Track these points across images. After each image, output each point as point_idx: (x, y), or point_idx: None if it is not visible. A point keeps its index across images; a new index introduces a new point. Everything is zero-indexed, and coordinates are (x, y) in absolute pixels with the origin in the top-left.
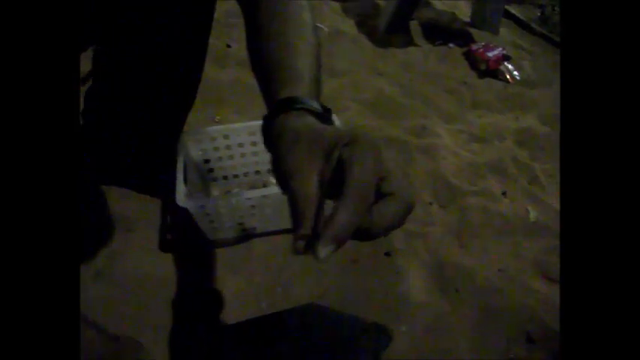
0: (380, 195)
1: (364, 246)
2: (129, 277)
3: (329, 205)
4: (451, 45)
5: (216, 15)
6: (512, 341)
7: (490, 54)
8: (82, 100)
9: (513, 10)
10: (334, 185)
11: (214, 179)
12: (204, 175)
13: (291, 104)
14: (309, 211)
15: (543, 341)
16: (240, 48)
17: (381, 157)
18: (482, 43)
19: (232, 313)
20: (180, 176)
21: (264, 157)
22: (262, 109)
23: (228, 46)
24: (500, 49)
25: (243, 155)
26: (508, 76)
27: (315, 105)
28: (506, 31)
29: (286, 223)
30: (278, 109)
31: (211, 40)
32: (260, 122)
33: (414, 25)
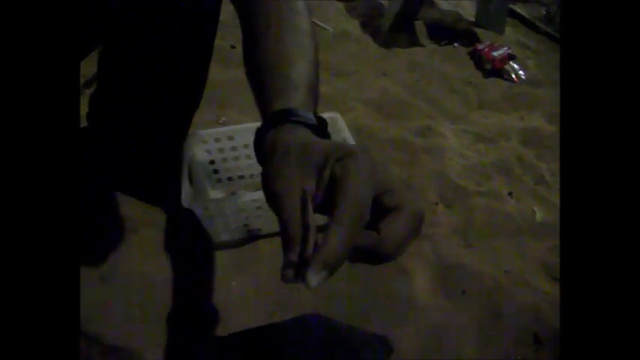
0: (385, 211)
1: None
2: (132, 280)
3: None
4: (456, 45)
5: (221, 17)
6: (519, 342)
7: (495, 53)
8: (87, 102)
9: (518, 9)
10: (329, 201)
11: (219, 180)
12: (210, 177)
13: (284, 117)
14: (297, 236)
15: (550, 342)
16: None
17: (377, 171)
18: (488, 43)
19: (238, 316)
20: (185, 178)
21: None
22: None
23: (233, 47)
24: (506, 48)
25: (248, 156)
26: (514, 76)
27: (309, 117)
28: (511, 31)
29: None
30: (270, 123)
31: (216, 41)
32: None
33: (419, 25)
